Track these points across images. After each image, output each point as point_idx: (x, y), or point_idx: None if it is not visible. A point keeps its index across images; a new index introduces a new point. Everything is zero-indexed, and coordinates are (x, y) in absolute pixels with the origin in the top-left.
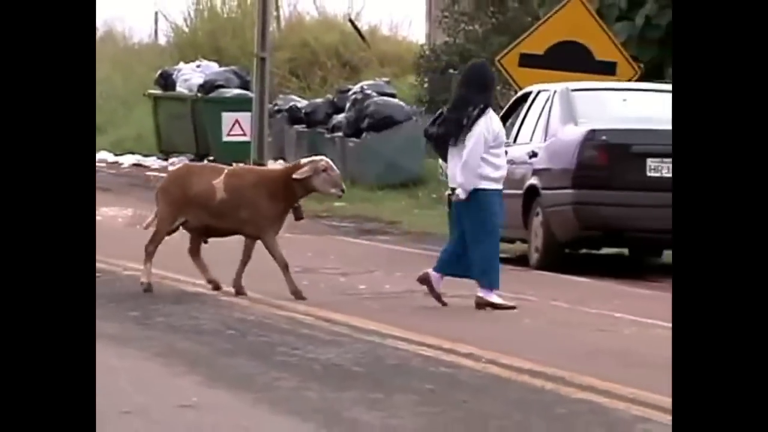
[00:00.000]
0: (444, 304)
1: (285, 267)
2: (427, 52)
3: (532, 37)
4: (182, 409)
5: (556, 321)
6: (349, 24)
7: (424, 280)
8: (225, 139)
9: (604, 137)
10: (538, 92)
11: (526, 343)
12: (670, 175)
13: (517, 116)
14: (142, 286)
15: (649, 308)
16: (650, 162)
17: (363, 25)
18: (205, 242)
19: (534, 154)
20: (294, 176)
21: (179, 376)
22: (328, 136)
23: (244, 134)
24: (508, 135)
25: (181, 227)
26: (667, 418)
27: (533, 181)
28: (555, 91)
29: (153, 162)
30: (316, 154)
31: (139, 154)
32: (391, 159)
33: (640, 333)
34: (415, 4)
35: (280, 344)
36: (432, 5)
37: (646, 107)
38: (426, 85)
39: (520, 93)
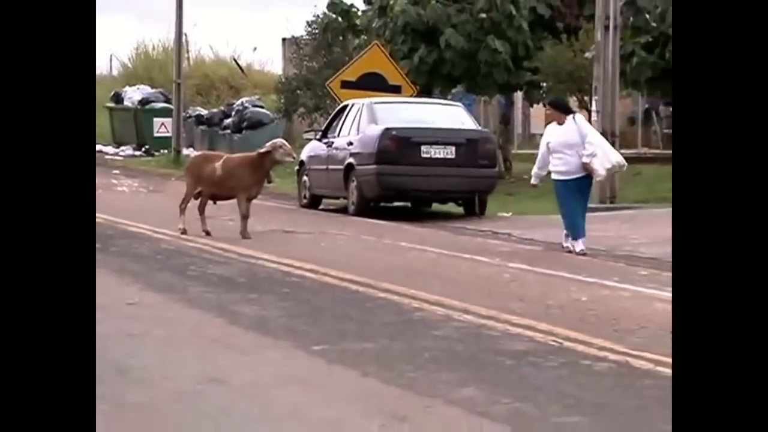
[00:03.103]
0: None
1: (244, 217)
2: (283, 80)
3: (349, 69)
4: (129, 306)
5: (365, 248)
6: (233, 62)
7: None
8: (155, 135)
9: (394, 132)
10: (353, 104)
11: (347, 262)
12: (437, 156)
13: (340, 120)
14: (179, 231)
15: (423, 239)
16: (423, 148)
17: (242, 63)
18: (215, 203)
19: (351, 143)
20: (260, 152)
21: (127, 285)
22: (221, 133)
23: (168, 132)
24: (333, 132)
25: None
26: (433, 308)
27: (350, 160)
28: (363, 104)
29: (109, 149)
30: (214, 146)
31: (101, 144)
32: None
33: (418, 255)
34: (275, 49)
35: (190, 264)
36: (286, 49)
37: (421, 113)
38: (282, 101)
39: (341, 105)
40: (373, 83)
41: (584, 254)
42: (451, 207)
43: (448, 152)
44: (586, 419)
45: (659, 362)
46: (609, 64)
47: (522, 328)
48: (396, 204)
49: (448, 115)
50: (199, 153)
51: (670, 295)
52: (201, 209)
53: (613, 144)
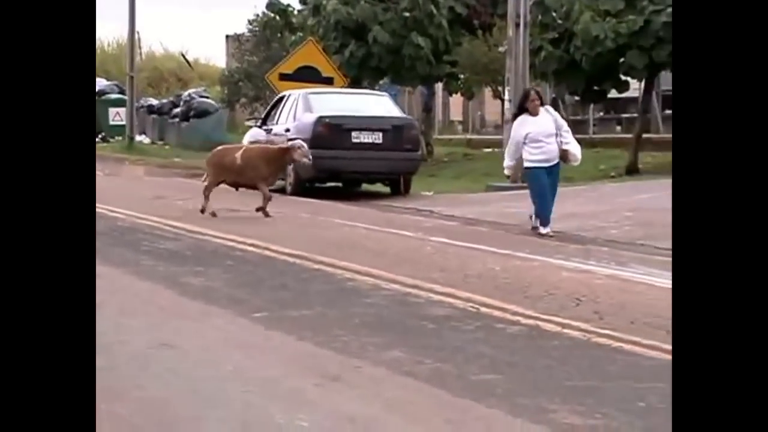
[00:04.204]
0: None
1: (269, 199)
2: (226, 73)
3: (286, 63)
4: None
5: (302, 224)
6: (181, 57)
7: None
8: (111, 123)
9: (327, 120)
10: (290, 95)
11: (285, 237)
12: (366, 141)
13: (278, 109)
14: (202, 212)
15: (354, 216)
16: (354, 133)
17: (190, 57)
18: (236, 190)
19: (288, 130)
20: (281, 147)
21: None
22: (170, 121)
23: (122, 120)
24: (273, 120)
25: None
26: (363, 278)
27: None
28: (299, 94)
29: None
30: (163, 133)
31: None
32: (207, 134)
33: (350, 231)
34: (218, 44)
35: (143, 240)
36: (229, 45)
37: (351, 102)
38: (226, 92)
39: (279, 95)
40: (308, 75)
41: (551, 236)
42: (379, 187)
43: (376, 137)
44: (500, 377)
45: (566, 325)
46: (520, 58)
47: (443, 295)
48: (329, 184)
49: (376, 104)
50: (220, 147)
51: (576, 264)
52: (206, 193)
53: None
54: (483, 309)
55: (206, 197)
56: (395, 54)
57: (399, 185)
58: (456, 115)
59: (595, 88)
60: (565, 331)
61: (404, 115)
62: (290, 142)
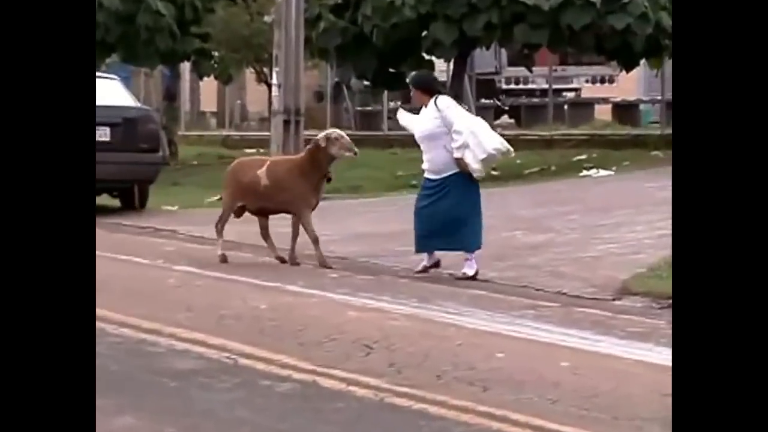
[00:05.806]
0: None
1: (315, 240)
2: None
3: None
4: None
5: None
6: None
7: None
8: None
9: None
10: None
11: None
12: (104, 139)
13: None
14: (219, 258)
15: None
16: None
17: None
18: (265, 218)
19: None
20: (310, 149)
21: None
22: None
23: None
24: None
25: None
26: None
27: None
28: None
29: None
30: None
31: None
32: None
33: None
34: None
35: None
36: None
37: None
38: None
39: None
40: None
41: (425, 271)
42: (106, 199)
43: (102, 134)
44: None
45: (352, 381)
46: (292, 29)
47: (190, 343)
48: None
49: (101, 90)
50: (236, 161)
51: (365, 301)
52: (264, 234)
53: (297, 124)
54: (242, 360)
55: (219, 232)
56: (127, 23)
57: (132, 197)
58: (209, 105)
59: (391, 70)
60: (352, 388)
61: (139, 105)
62: (321, 135)
